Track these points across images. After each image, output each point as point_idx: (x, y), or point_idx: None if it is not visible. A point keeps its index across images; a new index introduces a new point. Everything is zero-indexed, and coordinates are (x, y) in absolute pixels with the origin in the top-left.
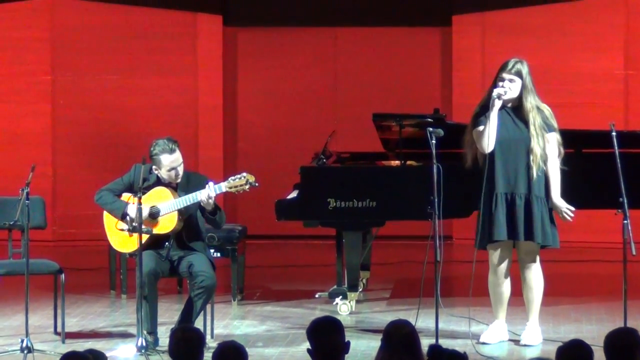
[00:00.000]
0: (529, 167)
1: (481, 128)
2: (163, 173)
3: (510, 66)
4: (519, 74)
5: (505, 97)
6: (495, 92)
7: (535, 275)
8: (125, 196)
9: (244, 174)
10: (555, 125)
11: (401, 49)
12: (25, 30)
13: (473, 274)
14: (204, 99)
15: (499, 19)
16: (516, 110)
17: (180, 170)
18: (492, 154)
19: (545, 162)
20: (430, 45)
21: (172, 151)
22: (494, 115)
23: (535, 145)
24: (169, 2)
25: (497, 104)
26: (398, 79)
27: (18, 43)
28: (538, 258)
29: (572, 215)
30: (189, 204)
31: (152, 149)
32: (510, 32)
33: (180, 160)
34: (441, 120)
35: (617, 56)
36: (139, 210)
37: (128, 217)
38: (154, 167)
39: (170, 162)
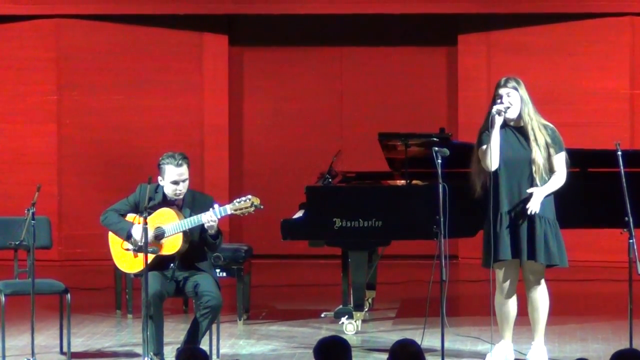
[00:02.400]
0: (532, 185)
1: (485, 147)
2: (166, 185)
3: (504, 82)
4: (515, 88)
5: (508, 115)
6: (495, 108)
7: (540, 295)
8: (131, 217)
9: (249, 197)
10: (562, 144)
11: (407, 68)
12: (31, 50)
13: (491, 293)
14: (209, 118)
15: (505, 38)
16: (520, 129)
17: (183, 187)
18: (496, 172)
19: (549, 174)
20: (435, 65)
21: (178, 165)
22: (495, 132)
23: (537, 157)
24: (175, 22)
25: (498, 120)
26: (404, 99)
27: (24, 63)
28: (543, 278)
29: (534, 209)
30: (193, 225)
31: (161, 158)
32: (515, 52)
33: (185, 176)
34: (447, 140)
35: (622, 75)
36: (145, 230)
37: (132, 239)
38: (159, 178)
39: (174, 174)
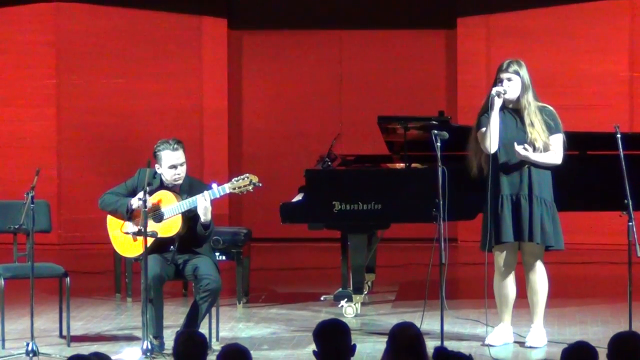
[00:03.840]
0: (530, 167)
1: (484, 129)
2: (164, 171)
3: (506, 66)
4: (516, 72)
5: (506, 97)
6: (494, 90)
7: (539, 278)
8: None
9: (247, 175)
10: (559, 125)
11: (406, 51)
12: (30, 34)
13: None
14: (208, 102)
15: (504, 21)
16: (518, 111)
17: (182, 171)
18: (495, 155)
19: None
20: (435, 48)
21: (174, 149)
22: (494, 115)
23: (534, 141)
24: (174, 6)
25: (497, 102)
26: (403, 82)
27: (23, 47)
28: (542, 260)
29: (522, 153)
30: (191, 206)
31: (156, 145)
32: (514, 35)
33: (182, 160)
34: (446, 123)
35: (622, 58)
36: (144, 214)
37: (133, 210)
38: (156, 165)
39: (171, 159)
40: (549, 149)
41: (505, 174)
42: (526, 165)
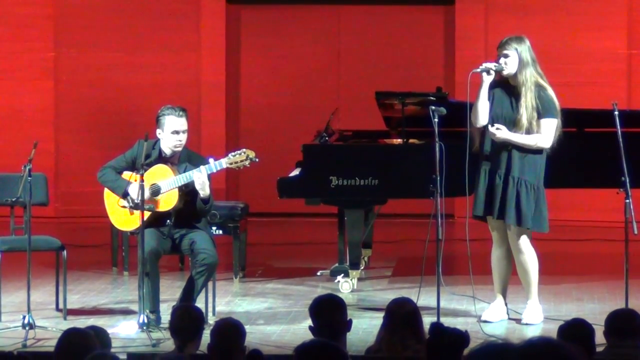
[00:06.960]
0: (512, 148)
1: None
2: (166, 137)
3: (504, 42)
4: (514, 49)
5: (504, 73)
6: (484, 65)
7: (525, 256)
8: (127, 174)
9: (244, 150)
10: (554, 110)
11: (404, 27)
12: (28, 7)
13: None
14: (206, 76)
15: None
16: (515, 88)
17: (183, 138)
18: (485, 130)
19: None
20: (433, 24)
21: (179, 116)
22: (483, 91)
23: (521, 119)
24: None
25: (487, 78)
26: (401, 57)
27: (21, 19)
28: (525, 238)
29: (496, 133)
30: (188, 181)
31: (160, 110)
32: (513, 11)
33: (185, 127)
34: (444, 99)
35: (620, 35)
36: (141, 187)
37: (129, 197)
38: (158, 131)
39: (175, 124)
40: (533, 131)
41: (489, 149)
42: (510, 145)
